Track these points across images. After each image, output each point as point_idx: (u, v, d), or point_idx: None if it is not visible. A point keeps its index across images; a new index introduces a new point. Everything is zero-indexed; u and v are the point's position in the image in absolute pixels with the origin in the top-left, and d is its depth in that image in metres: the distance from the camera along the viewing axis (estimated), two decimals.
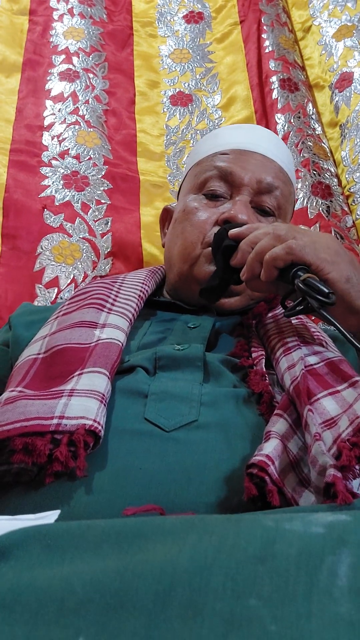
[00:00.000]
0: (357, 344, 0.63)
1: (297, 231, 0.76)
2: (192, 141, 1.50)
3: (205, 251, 0.90)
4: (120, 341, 0.73)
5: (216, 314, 0.89)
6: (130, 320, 0.80)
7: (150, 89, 1.62)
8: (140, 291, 0.89)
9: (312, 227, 1.26)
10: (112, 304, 0.82)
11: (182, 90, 1.61)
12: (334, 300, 0.68)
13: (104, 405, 0.62)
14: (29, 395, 0.63)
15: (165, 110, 1.58)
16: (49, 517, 0.45)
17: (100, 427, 0.59)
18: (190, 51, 1.69)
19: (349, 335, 0.64)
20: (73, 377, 0.65)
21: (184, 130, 1.52)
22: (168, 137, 1.52)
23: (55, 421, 0.57)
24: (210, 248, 0.89)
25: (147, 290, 0.91)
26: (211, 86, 1.62)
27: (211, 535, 0.38)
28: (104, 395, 0.63)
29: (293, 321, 0.84)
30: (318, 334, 0.82)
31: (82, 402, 0.60)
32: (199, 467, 0.59)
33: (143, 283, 0.92)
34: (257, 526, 0.38)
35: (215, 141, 1.02)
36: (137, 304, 0.84)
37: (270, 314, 0.89)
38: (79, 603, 0.34)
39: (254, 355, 0.78)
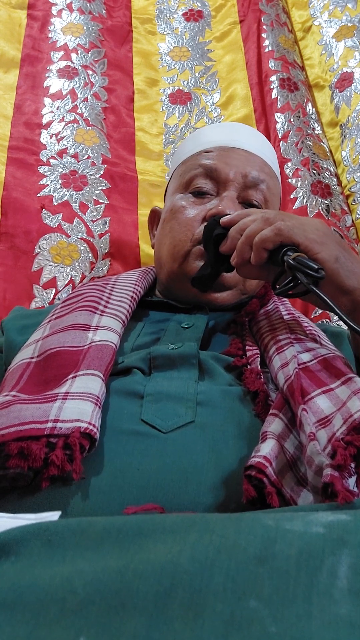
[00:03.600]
0: (349, 321, 0.64)
1: (286, 215, 0.77)
2: None
3: (195, 248, 0.91)
4: (113, 343, 0.72)
5: (209, 311, 0.89)
6: (123, 322, 0.80)
7: (149, 87, 1.62)
8: (133, 292, 0.89)
9: None
10: (105, 306, 0.82)
11: (181, 88, 1.60)
12: (324, 275, 0.69)
13: (99, 407, 0.62)
14: (23, 399, 0.63)
15: (164, 108, 1.57)
16: (50, 517, 0.45)
17: (95, 430, 0.58)
18: (190, 49, 1.69)
19: (339, 312, 0.65)
20: (67, 380, 0.65)
21: (183, 129, 1.52)
22: (167, 135, 1.52)
23: (50, 425, 0.57)
24: (200, 245, 0.89)
25: (139, 291, 0.91)
26: (210, 84, 1.61)
27: (212, 534, 0.38)
28: (98, 397, 0.63)
29: (285, 317, 0.84)
30: (311, 328, 0.82)
31: (77, 405, 0.60)
32: (196, 468, 0.59)
33: (135, 284, 0.92)
34: (257, 525, 0.38)
35: (198, 140, 1.02)
36: (129, 306, 0.84)
37: (262, 311, 0.89)
38: (80, 603, 0.34)
39: (248, 354, 0.78)
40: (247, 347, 0.80)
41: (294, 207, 1.30)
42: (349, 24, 1.54)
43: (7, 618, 0.34)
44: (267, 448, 0.57)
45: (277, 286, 0.76)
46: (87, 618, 0.33)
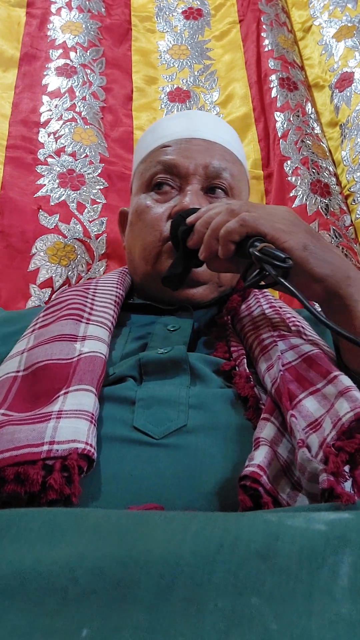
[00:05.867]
0: (315, 312, 0.63)
1: (251, 205, 0.76)
2: None
3: (165, 246, 0.90)
4: (102, 354, 0.70)
5: (193, 309, 0.88)
6: (110, 329, 0.78)
7: (147, 85, 1.61)
8: (116, 296, 0.87)
9: (310, 225, 1.25)
10: (90, 314, 0.80)
11: (180, 86, 1.60)
12: (291, 264, 0.67)
13: (94, 425, 0.60)
14: (15, 419, 0.61)
15: (162, 106, 1.57)
16: None
17: (93, 450, 0.57)
18: (189, 47, 1.68)
19: (305, 302, 0.64)
20: (59, 396, 0.63)
21: None
22: None
23: (46, 447, 0.55)
24: (169, 243, 0.88)
25: (121, 295, 0.89)
26: (209, 83, 1.61)
27: (213, 526, 0.38)
28: (92, 414, 0.61)
29: (267, 311, 0.82)
30: (294, 319, 0.80)
31: (72, 424, 0.58)
32: (190, 473, 0.58)
33: (117, 287, 0.90)
34: (259, 521, 0.38)
35: (155, 134, 1.01)
36: (114, 311, 0.82)
37: (244, 306, 0.87)
38: (82, 593, 0.34)
39: (234, 355, 0.77)
40: (232, 349, 0.79)
41: (294, 205, 1.30)
42: (349, 24, 1.54)
43: (9, 606, 0.34)
44: (261, 456, 0.56)
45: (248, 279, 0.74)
46: (89, 609, 0.33)
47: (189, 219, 0.82)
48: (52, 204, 1.27)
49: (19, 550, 0.37)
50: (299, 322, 0.80)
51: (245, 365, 0.74)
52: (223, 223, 0.73)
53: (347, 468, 0.54)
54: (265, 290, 0.90)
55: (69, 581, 0.34)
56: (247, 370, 0.73)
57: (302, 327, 0.78)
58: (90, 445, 0.57)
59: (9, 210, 1.24)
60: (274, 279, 0.67)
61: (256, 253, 0.68)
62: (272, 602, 0.34)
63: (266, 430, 0.60)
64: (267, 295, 0.89)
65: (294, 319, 0.81)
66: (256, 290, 0.90)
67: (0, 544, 0.38)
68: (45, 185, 1.30)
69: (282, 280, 0.66)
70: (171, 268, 0.86)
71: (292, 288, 0.65)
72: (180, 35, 1.71)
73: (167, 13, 1.77)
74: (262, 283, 0.72)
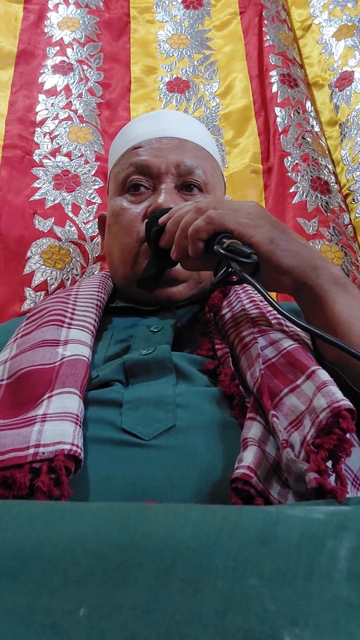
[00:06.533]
0: (279, 307, 0.64)
1: (218, 202, 0.77)
2: None
3: (142, 248, 0.90)
4: (85, 356, 0.70)
5: (175, 308, 0.88)
6: (92, 333, 0.78)
7: (146, 76, 1.60)
8: (98, 300, 0.87)
9: (311, 222, 1.27)
10: (71, 318, 0.79)
11: (179, 76, 1.59)
12: (256, 260, 0.68)
13: (79, 426, 0.60)
14: (0, 425, 0.61)
15: (161, 96, 1.56)
16: None
17: (79, 451, 0.57)
18: (189, 37, 1.67)
19: (270, 298, 0.65)
20: (43, 400, 0.63)
21: None
22: None
23: (31, 451, 0.55)
24: (146, 244, 0.88)
25: (103, 299, 0.89)
26: (209, 73, 1.60)
27: (214, 515, 0.38)
28: (77, 416, 0.61)
29: (247, 305, 0.82)
30: (274, 312, 0.80)
31: (57, 426, 0.58)
32: (182, 473, 0.59)
33: (98, 291, 0.90)
34: (258, 511, 0.39)
35: (127, 136, 1.02)
36: (96, 315, 0.82)
37: (225, 302, 0.87)
38: (82, 575, 0.34)
39: (219, 353, 0.77)
40: (216, 347, 0.79)
41: (294, 202, 1.30)
42: (349, 24, 1.55)
43: (10, 587, 0.34)
44: (250, 457, 0.56)
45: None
46: (88, 589, 0.34)
47: (161, 219, 0.82)
48: (47, 207, 1.27)
49: (19, 531, 0.37)
50: (279, 315, 0.80)
51: (230, 363, 0.74)
52: (191, 221, 0.74)
53: (330, 463, 0.54)
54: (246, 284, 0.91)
55: (70, 563, 0.35)
56: (232, 368, 0.73)
57: (283, 320, 0.78)
58: (77, 446, 0.57)
59: (7, 213, 1.24)
60: (239, 275, 0.68)
61: (220, 250, 0.69)
62: (271, 584, 0.34)
63: (253, 430, 0.60)
64: (248, 290, 0.89)
65: (275, 312, 0.80)
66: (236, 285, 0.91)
67: (0, 523, 0.38)
68: (40, 188, 1.30)
69: (247, 276, 0.67)
70: (145, 270, 0.86)
71: (257, 285, 0.66)
72: (180, 25, 1.70)
73: (167, 2, 1.75)
74: (235, 279, 0.73)
